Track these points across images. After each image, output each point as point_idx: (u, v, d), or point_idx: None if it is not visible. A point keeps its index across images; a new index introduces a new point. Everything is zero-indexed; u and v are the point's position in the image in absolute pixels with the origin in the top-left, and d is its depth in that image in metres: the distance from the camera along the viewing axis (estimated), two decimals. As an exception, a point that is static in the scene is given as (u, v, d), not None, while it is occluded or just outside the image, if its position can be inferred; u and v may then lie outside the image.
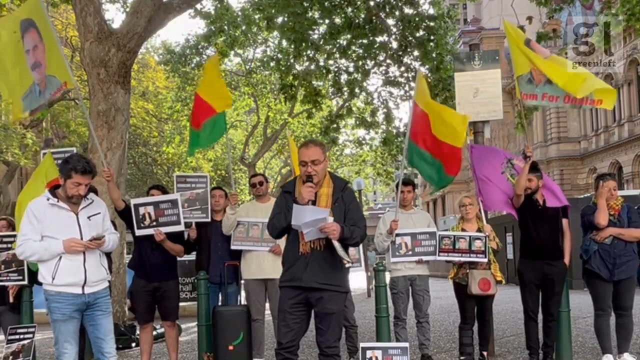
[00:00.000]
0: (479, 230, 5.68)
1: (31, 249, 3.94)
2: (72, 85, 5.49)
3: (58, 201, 4.02)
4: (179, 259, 5.91)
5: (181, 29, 65.14)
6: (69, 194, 4.01)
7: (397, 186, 6.13)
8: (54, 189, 4.13)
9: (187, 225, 5.90)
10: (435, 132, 5.67)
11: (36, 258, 3.99)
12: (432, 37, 11.48)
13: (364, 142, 18.89)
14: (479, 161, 6.10)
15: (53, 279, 3.94)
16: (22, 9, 5.66)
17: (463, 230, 5.71)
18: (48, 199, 4.02)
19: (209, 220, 6.03)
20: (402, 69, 12.74)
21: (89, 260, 4.02)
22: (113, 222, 6.05)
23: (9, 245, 5.40)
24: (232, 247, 5.91)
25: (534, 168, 5.62)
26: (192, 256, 6.42)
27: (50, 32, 5.28)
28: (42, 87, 5.33)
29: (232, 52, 16.30)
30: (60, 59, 5.33)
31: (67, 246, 3.92)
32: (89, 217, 4.09)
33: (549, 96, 5.65)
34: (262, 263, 5.86)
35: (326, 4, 11.13)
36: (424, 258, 5.87)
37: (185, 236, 5.98)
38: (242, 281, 6.12)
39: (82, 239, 3.99)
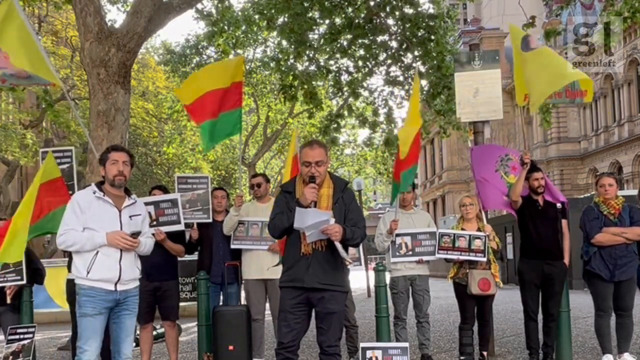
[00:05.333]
0: (479, 230, 5.68)
1: (73, 238, 3.91)
2: (60, 86, 5.46)
3: (104, 195, 4.02)
4: (179, 259, 5.91)
5: (181, 29, 65.40)
6: (111, 177, 4.03)
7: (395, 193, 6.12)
8: (100, 184, 4.12)
9: (189, 225, 5.90)
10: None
11: (77, 248, 3.95)
12: (432, 37, 11.47)
13: (368, 142, 18.82)
14: (477, 163, 6.11)
15: (88, 272, 3.91)
16: None
17: (463, 230, 5.71)
18: (94, 192, 4.02)
19: (210, 220, 6.04)
20: (403, 68, 12.73)
21: (125, 258, 4.01)
22: None
23: None
24: (232, 246, 5.92)
25: (535, 167, 5.62)
26: (192, 256, 6.43)
27: (27, 33, 5.20)
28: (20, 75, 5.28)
29: (233, 52, 16.30)
30: (43, 61, 5.31)
31: (110, 238, 3.91)
32: (130, 217, 4.10)
33: (555, 93, 5.63)
34: (262, 264, 5.86)
35: (326, 4, 11.12)
36: (424, 258, 5.87)
37: (187, 237, 5.99)
38: (243, 281, 6.12)
39: None
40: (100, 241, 3.91)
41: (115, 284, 3.98)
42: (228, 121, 6.28)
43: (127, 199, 4.13)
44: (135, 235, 4.02)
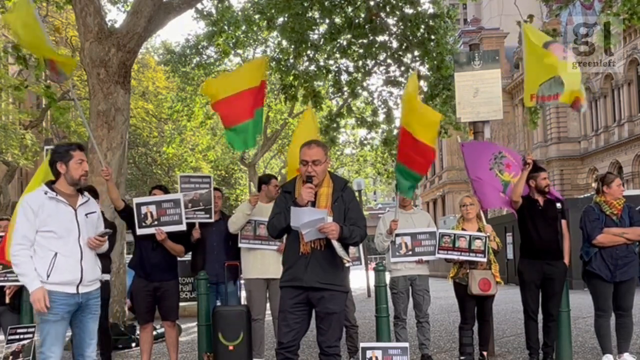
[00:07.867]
0: (479, 230, 5.68)
1: (18, 262, 3.75)
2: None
3: (57, 195, 3.88)
4: (179, 259, 5.91)
5: (181, 29, 65.38)
6: (77, 177, 3.92)
7: (396, 186, 6.13)
8: (51, 183, 4.00)
9: (191, 225, 5.89)
10: (410, 129, 5.55)
11: (17, 271, 3.83)
12: (432, 37, 11.49)
13: (365, 142, 18.86)
14: (470, 161, 6.10)
15: (48, 276, 3.73)
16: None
17: (463, 230, 5.71)
18: (46, 193, 3.87)
19: (212, 220, 6.03)
20: (403, 68, 12.74)
21: (86, 258, 3.88)
22: (113, 223, 6.04)
23: None
24: (240, 245, 5.89)
25: (539, 167, 5.62)
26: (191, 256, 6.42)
27: (39, 29, 5.21)
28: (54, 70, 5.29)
29: (232, 52, 16.32)
30: (47, 46, 5.30)
31: (34, 297, 3.69)
32: (86, 215, 3.98)
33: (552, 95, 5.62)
34: (267, 262, 5.84)
35: (326, 4, 11.13)
36: (424, 258, 5.87)
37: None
38: (242, 281, 6.11)
39: (79, 235, 3.88)
40: (28, 287, 3.72)
41: (77, 287, 3.82)
42: (255, 121, 6.21)
43: (80, 197, 3.98)
44: (106, 234, 3.96)
